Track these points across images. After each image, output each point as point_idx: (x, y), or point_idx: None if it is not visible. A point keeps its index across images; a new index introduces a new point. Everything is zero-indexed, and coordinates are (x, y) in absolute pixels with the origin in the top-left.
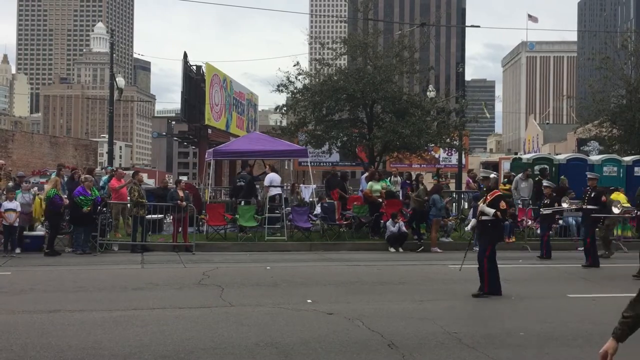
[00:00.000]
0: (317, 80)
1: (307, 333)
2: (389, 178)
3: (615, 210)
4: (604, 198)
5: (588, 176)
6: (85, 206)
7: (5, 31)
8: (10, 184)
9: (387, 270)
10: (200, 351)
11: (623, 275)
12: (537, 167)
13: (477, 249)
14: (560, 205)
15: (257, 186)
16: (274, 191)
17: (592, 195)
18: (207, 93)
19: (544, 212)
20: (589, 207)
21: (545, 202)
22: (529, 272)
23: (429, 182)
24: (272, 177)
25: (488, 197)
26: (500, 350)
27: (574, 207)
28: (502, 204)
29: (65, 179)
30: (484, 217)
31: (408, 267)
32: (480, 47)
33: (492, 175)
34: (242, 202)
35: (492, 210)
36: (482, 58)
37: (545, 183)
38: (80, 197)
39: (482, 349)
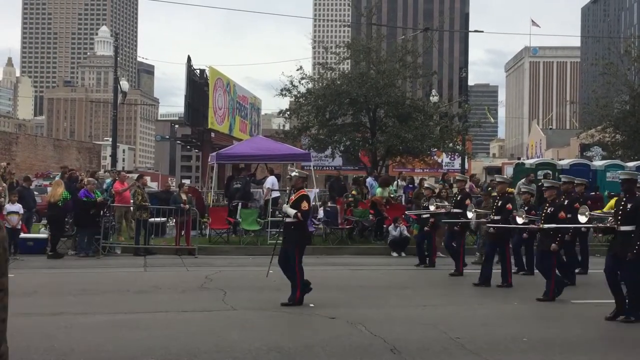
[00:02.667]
0: (320, 84)
1: (309, 337)
2: (394, 182)
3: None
4: (509, 206)
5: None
6: (93, 207)
7: (10, 34)
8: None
9: (390, 274)
10: (203, 355)
11: None
12: (540, 172)
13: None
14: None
15: (259, 189)
16: (275, 194)
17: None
18: (210, 97)
19: (423, 216)
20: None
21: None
22: (529, 279)
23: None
24: (273, 180)
25: (292, 198)
26: (503, 356)
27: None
28: (304, 205)
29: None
30: (287, 219)
31: (411, 272)
32: (481, 53)
33: (293, 174)
34: (240, 204)
35: (293, 211)
36: (483, 63)
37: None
38: (85, 198)
39: (485, 354)
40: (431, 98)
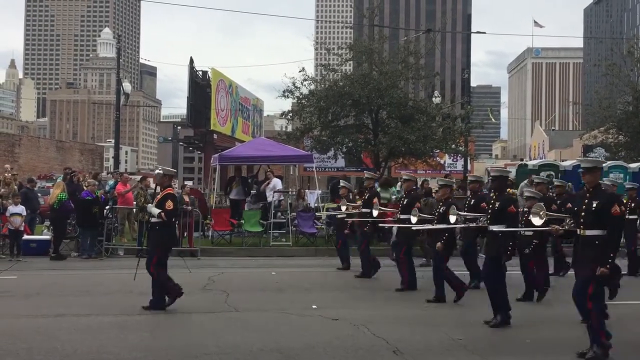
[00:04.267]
0: (322, 85)
1: (312, 338)
2: (397, 184)
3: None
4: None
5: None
6: (95, 206)
7: (13, 36)
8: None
9: (392, 276)
10: (205, 356)
11: None
12: (542, 174)
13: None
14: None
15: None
16: (277, 196)
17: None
18: (212, 98)
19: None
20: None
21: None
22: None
23: (434, 187)
24: (276, 182)
25: (158, 197)
26: (506, 357)
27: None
28: (169, 204)
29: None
30: (152, 219)
31: None
32: (482, 54)
33: (157, 171)
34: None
35: (157, 211)
36: (484, 65)
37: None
38: (88, 197)
39: (487, 355)
40: (434, 99)
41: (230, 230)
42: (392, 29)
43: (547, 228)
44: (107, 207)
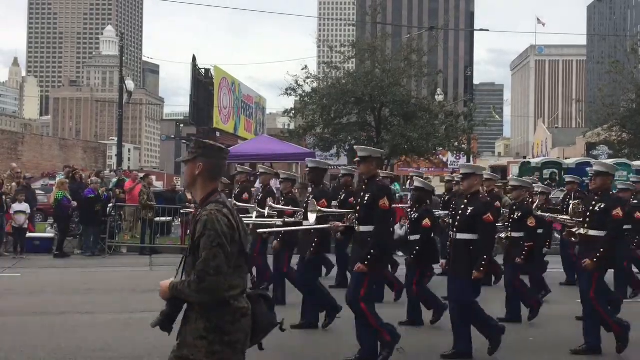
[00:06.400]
0: (325, 83)
1: (314, 336)
2: (402, 182)
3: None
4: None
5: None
6: (98, 204)
7: (16, 34)
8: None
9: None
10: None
11: None
12: (546, 172)
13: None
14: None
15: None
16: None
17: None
18: (215, 96)
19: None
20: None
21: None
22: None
23: (437, 185)
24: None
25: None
26: (508, 355)
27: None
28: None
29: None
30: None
31: None
32: (483, 52)
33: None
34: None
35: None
36: (485, 63)
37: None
38: (91, 195)
39: (488, 356)
40: (436, 97)
41: None
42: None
43: (325, 226)
44: (110, 205)
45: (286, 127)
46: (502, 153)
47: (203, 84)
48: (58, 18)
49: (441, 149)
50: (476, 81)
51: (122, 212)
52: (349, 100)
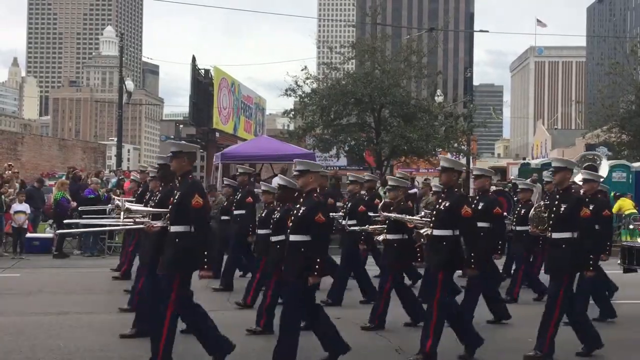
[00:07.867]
0: (325, 84)
1: (314, 337)
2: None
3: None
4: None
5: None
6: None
7: (15, 34)
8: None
9: None
10: (207, 355)
11: None
12: (545, 173)
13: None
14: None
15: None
16: None
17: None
18: (215, 97)
19: None
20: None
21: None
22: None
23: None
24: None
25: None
26: (508, 356)
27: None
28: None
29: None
30: None
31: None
32: (483, 53)
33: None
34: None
35: None
36: (484, 64)
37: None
38: (90, 196)
39: (490, 354)
40: (436, 98)
41: None
42: (395, 28)
43: (140, 226)
44: (110, 205)
45: (286, 127)
46: (502, 154)
47: (203, 85)
48: (58, 18)
49: (441, 150)
50: (476, 82)
51: None
52: (348, 101)
